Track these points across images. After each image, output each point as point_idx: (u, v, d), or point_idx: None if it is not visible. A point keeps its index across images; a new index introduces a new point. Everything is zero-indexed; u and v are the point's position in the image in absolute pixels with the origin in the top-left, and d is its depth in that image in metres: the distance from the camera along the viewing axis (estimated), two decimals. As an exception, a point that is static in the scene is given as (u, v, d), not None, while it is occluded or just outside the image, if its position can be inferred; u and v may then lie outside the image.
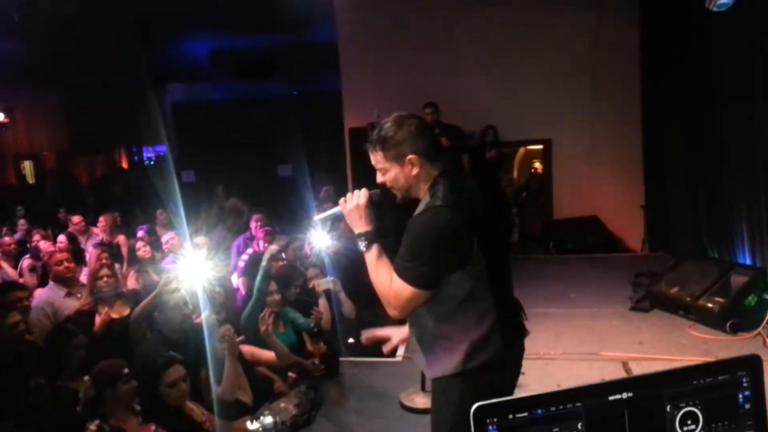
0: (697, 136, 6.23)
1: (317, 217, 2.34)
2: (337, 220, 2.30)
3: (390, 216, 2.35)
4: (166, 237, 5.98)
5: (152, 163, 16.01)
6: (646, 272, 5.90)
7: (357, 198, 2.09)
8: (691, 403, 0.90)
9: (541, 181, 8.59)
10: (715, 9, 4.43)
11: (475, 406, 0.83)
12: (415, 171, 2.05)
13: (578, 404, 0.84)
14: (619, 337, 4.75)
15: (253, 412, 3.57)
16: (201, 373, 3.51)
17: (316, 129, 10.96)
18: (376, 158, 2.10)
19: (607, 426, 0.86)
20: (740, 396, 0.91)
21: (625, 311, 5.35)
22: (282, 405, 3.69)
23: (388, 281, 1.99)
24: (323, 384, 4.35)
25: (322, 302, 4.94)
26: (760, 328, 4.57)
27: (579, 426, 0.85)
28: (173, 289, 3.72)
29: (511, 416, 0.81)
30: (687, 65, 6.33)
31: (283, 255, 5.00)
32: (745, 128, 5.05)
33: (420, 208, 2.05)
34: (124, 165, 16.27)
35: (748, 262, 5.14)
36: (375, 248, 2.05)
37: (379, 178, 2.13)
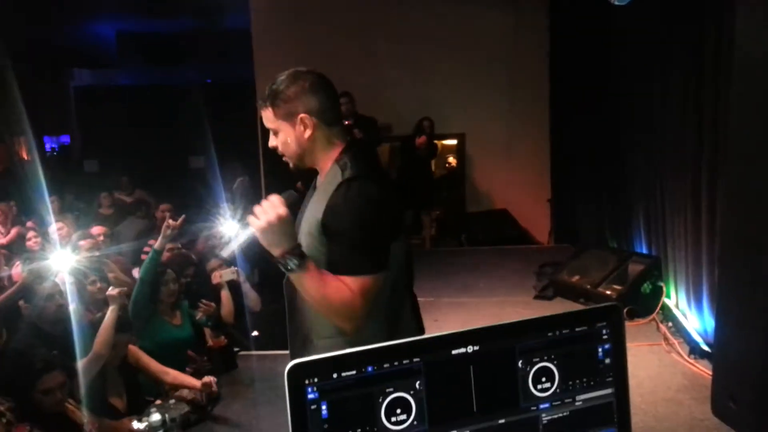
0: (597, 132, 6.44)
1: (226, 252, 2.04)
2: (249, 241, 1.77)
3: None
4: (53, 228, 5.55)
5: (55, 153, 15.04)
6: (550, 262, 6.04)
7: (273, 210, 1.62)
8: (545, 358, 0.80)
9: (454, 175, 8.65)
10: (616, 3, 4.55)
11: (289, 364, 0.70)
12: (308, 133, 1.76)
13: (416, 359, 0.73)
14: (523, 324, 4.81)
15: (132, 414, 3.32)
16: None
17: (229, 118, 10.58)
18: (267, 116, 1.81)
19: (450, 383, 0.75)
20: (600, 349, 0.83)
21: (530, 300, 5.43)
22: (173, 402, 3.46)
23: (344, 287, 1.63)
24: (222, 378, 4.15)
25: (225, 294, 4.72)
26: (654, 313, 4.75)
27: (417, 384, 0.74)
28: (39, 280, 3.44)
29: (335, 375, 0.69)
30: (589, 64, 6.53)
31: (179, 244, 4.78)
32: (643, 125, 5.24)
33: (329, 185, 1.73)
34: (24, 155, 15.16)
35: (645, 251, 5.34)
36: (311, 263, 1.64)
37: (271, 142, 1.84)
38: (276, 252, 1.63)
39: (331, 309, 1.66)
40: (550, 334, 0.81)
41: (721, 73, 3.67)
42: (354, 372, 0.70)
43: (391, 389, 0.73)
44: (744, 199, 2.72)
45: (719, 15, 3.65)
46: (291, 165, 1.86)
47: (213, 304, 4.39)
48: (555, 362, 0.81)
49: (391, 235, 1.73)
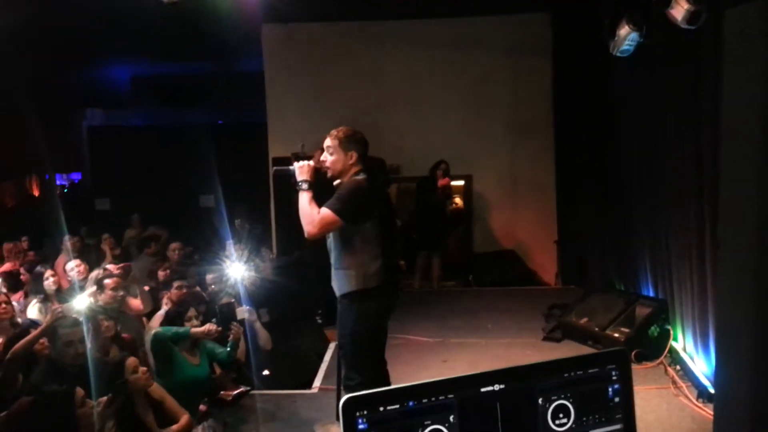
0: (604, 176, 6.58)
1: (274, 169, 3.82)
2: (291, 176, 3.28)
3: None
4: (71, 265, 5.64)
5: (65, 190, 15.27)
6: (558, 304, 6.10)
7: (306, 162, 3.28)
8: (562, 396, 0.91)
9: (460, 215, 8.75)
10: (618, 55, 4.75)
11: (343, 398, 0.80)
12: (351, 161, 3.28)
13: (450, 396, 0.84)
14: (531, 366, 4.84)
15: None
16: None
17: (240, 159, 10.80)
18: (332, 144, 3.29)
19: (480, 418, 0.86)
20: (610, 389, 0.93)
21: (537, 341, 5.48)
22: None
23: (316, 210, 3.19)
24: (235, 418, 4.19)
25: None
26: (662, 357, 4.79)
27: (451, 418, 0.84)
28: (67, 323, 3.55)
29: (381, 408, 0.79)
30: (594, 108, 6.72)
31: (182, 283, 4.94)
32: (648, 169, 5.38)
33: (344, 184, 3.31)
34: (35, 192, 15.39)
35: (651, 294, 5.41)
36: (310, 192, 3.23)
37: (323, 158, 3.30)
38: (300, 178, 3.25)
39: (303, 214, 3.23)
40: (566, 374, 0.91)
41: (718, 121, 3.80)
42: (397, 406, 0.81)
43: (428, 422, 0.83)
44: (738, 245, 2.80)
45: (717, 63, 3.80)
46: (329, 174, 3.32)
47: (240, 326, 4.46)
48: (571, 400, 0.91)
49: (363, 210, 3.24)
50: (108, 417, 3.12)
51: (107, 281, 4.48)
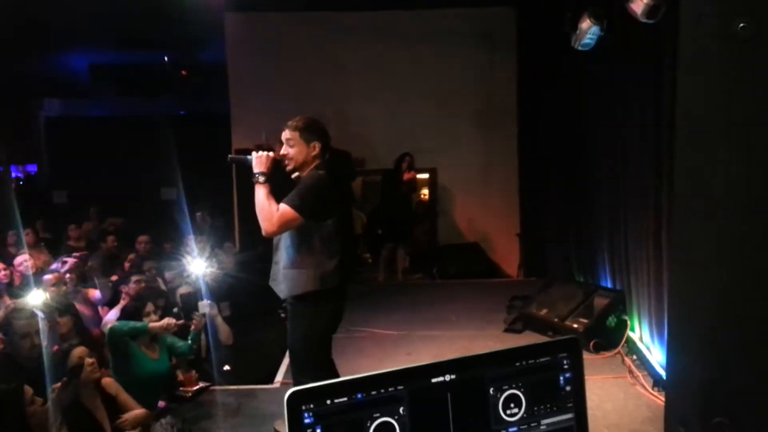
0: (566, 169, 6.67)
1: (229, 157, 3.40)
2: (247, 166, 3.07)
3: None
4: (19, 260, 5.47)
5: (21, 183, 14.80)
6: (520, 296, 6.17)
7: (264, 153, 3.07)
8: (513, 386, 0.90)
9: (425, 208, 8.79)
10: (579, 48, 4.81)
11: (288, 392, 0.78)
12: (314, 153, 3.11)
13: (400, 387, 0.82)
14: (493, 357, 4.89)
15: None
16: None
17: (202, 150, 10.61)
18: (292, 135, 3.11)
19: (430, 409, 0.84)
20: (561, 378, 0.93)
21: (500, 333, 5.54)
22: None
23: (275, 206, 2.97)
24: (195, 414, 4.13)
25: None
26: (619, 347, 4.89)
27: (401, 410, 0.83)
28: (22, 315, 3.45)
29: (329, 401, 0.77)
30: (558, 102, 6.80)
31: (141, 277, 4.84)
32: (608, 163, 5.47)
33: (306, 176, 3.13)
34: (-12, 184, 14.88)
35: (609, 285, 5.51)
36: (267, 186, 3.01)
37: (283, 150, 3.12)
38: (256, 170, 3.02)
39: (262, 210, 2.99)
40: (517, 364, 0.91)
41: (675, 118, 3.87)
42: (345, 399, 0.79)
43: (377, 414, 0.81)
44: (690, 239, 2.86)
45: (675, 57, 3.87)
46: (290, 167, 3.13)
47: (203, 317, 4.40)
48: (522, 389, 0.91)
49: (324, 206, 3.08)
50: (58, 409, 3.03)
51: (46, 277, 4.36)
